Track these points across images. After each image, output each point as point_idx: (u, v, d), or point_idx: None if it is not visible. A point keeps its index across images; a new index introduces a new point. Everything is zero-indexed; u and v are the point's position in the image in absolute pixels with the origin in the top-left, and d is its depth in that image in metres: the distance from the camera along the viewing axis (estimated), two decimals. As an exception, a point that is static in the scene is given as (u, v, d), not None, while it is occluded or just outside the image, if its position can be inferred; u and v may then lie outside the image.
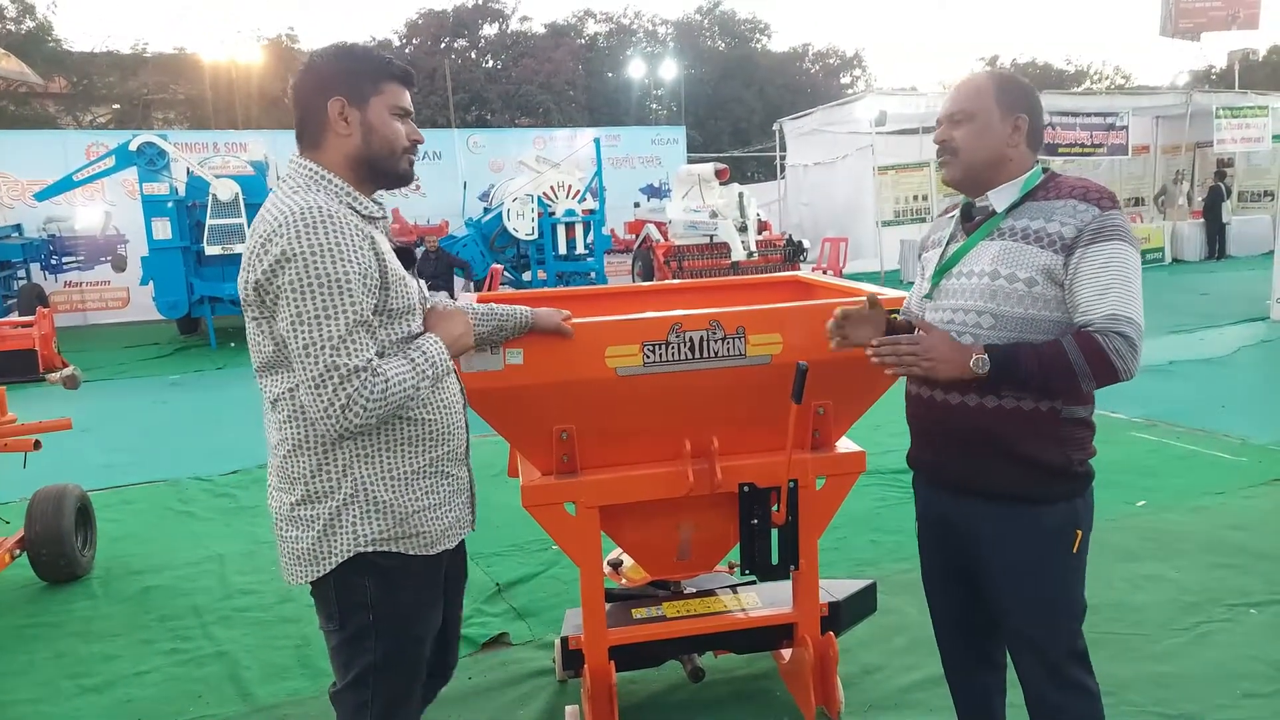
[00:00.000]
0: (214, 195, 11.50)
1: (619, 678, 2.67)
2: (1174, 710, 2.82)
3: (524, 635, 3.52)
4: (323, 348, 1.66)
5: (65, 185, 12.40)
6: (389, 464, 1.83)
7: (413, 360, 1.78)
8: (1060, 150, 16.51)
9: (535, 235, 13.97)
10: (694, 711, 2.94)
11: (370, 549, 1.83)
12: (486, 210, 15.57)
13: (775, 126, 20.34)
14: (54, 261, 15.35)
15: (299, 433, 1.81)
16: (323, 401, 1.67)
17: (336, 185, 1.82)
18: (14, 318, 11.16)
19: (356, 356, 1.68)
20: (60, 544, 4.12)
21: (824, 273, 13.06)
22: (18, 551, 4.12)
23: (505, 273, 14.76)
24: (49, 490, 4.25)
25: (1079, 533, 1.99)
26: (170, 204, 11.78)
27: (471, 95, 27.75)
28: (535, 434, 2.49)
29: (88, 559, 4.37)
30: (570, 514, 2.56)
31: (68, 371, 4.41)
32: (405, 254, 1.92)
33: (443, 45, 29.59)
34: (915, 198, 18.67)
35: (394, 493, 1.84)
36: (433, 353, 1.82)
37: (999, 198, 2.00)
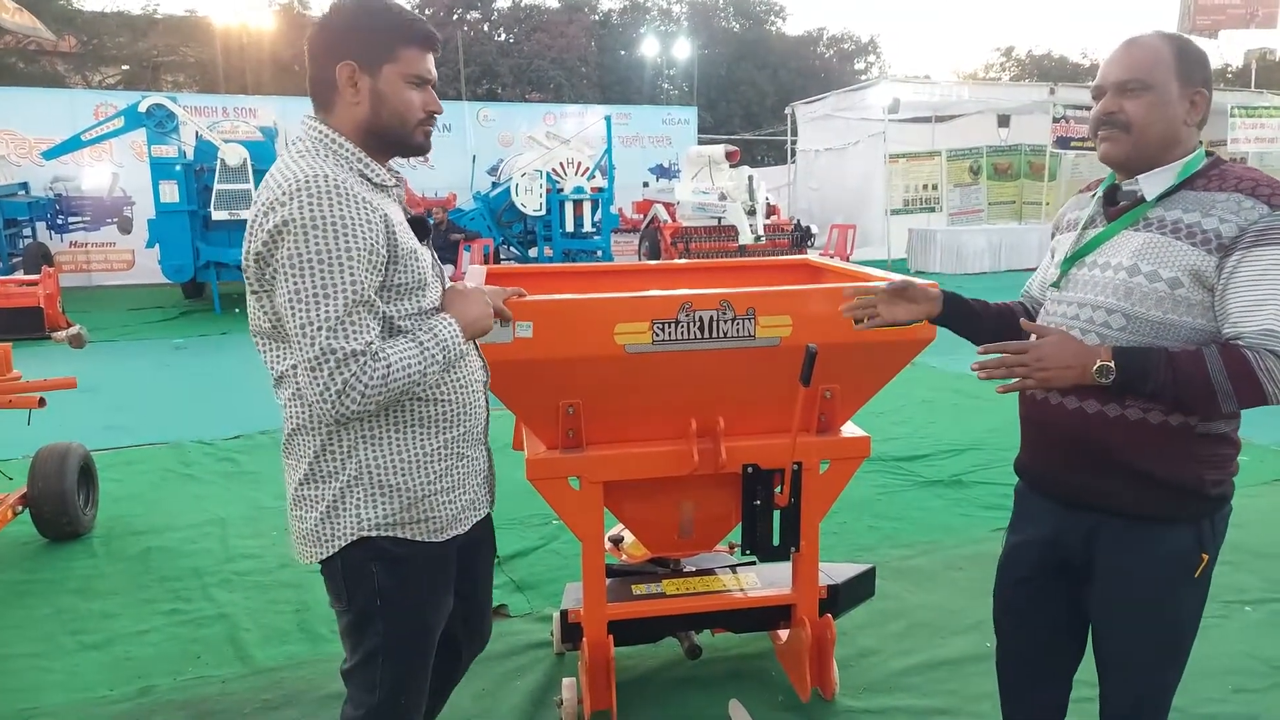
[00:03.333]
0: (222, 160, 11.46)
1: (616, 652, 2.69)
2: (1166, 704, 2.83)
3: (523, 608, 3.54)
4: (319, 329, 1.57)
5: (73, 145, 12.36)
6: (398, 446, 1.76)
7: (421, 343, 1.69)
8: (1073, 144, 16.42)
9: (543, 211, 13.93)
10: (690, 688, 2.96)
11: (375, 533, 1.77)
12: (495, 185, 15.53)
13: (787, 110, 20.20)
14: (60, 221, 15.32)
15: (302, 412, 1.75)
16: (319, 385, 1.59)
17: (347, 151, 1.72)
18: (19, 276, 11.16)
19: (355, 339, 1.59)
20: (62, 502, 4.14)
21: (831, 258, 13.02)
22: (20, 508, 4.13)
23: (511, 248, 14.75)
24: (53, 448, 4.27)
25: (1205, 557, 1.78)
26: (178, 167, 11.74)
27: (482, 68, 27.58)
28: (542, 408, 2.50)
29: (89, 518, 4.39)
30: (574, 489, 2.57)
31: (74, 330, 4.40)
32: (419, 225, 1.86)
33: (455, 16, 29.36)
34: (925, 187, 18.59)
35: (402, 476, 1.77)
36: (444, 335, 1.73)
37: (1151, 183, 1.75)
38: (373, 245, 1.63)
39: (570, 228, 14.00)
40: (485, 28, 30.39)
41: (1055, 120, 16.24)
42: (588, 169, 14.31)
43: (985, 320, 2.04)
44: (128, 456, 5.64)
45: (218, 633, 3.39)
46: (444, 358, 1.72)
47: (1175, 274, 1.67)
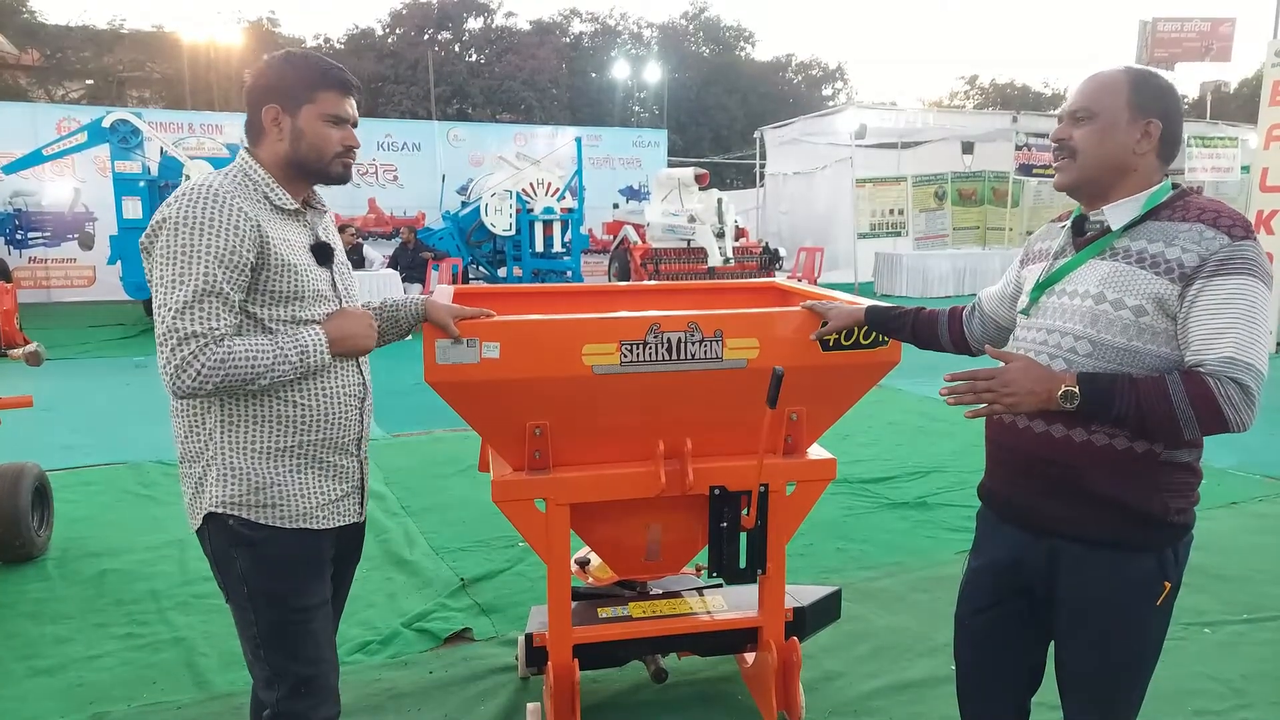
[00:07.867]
0: (187, 176, 11.33)
1: (581, 676, 2.66)
2: (1127, 725, 2.85)
3: (487, 631, 3.50)
4: (169, 310, 1.76)
5: (34, 159, 12.20)
6: (250, 436, 1.90)
7: (279, 344, 1.85)
8: (1035, 171, 16.73)
9: (513, 231, 13.92)
10: (656, 712, 2.94)
11: (222, 510, 1.91)
12: (464, 204, 15.49)
13: (756, 134, 20.42)
14: (19, 236, 15.10)
15: None
16: (161, 360, 1.78)
17: (257, 176, 1.93)
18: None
19: (198, 324, 1.76)
20: (15, 523, 4.04)
21: (799, 281, 13.12)
22: (-29, 529, 4.03)
23: (480, 268, 14.69)
24: (6, 468, 4.17)
25: (1167, 585, 1.79)
26: (142, 183, 11.62)
27: (453, 88, 27.58)
28: (508, 429, 2.48)
29: (43, 539, 4.28)
30: (540, 511, 2.55)
31: (31, 348, 4.30)
32: (323, 249, 2.03)
33: (426, 36, 29.40)
34: (891, 211, 18.85)
35: (249, 462, 1.91)
36: (306, 343, 1.88)
37: (1116, 214, 1.78)
38: (234, 247, 1.81)
39: (540, 248, 14.00)
40: (456, 48, 30.43)
41: (1018, 148, 16.55)
42: (558, 189, 14.34)
43: (905, 327, 2.33)
44: (85, 477, 5.52)
45: (174, 657, 3.31)
46: (300, 362, 1.87)
47: (1139, 302, 1.70)
